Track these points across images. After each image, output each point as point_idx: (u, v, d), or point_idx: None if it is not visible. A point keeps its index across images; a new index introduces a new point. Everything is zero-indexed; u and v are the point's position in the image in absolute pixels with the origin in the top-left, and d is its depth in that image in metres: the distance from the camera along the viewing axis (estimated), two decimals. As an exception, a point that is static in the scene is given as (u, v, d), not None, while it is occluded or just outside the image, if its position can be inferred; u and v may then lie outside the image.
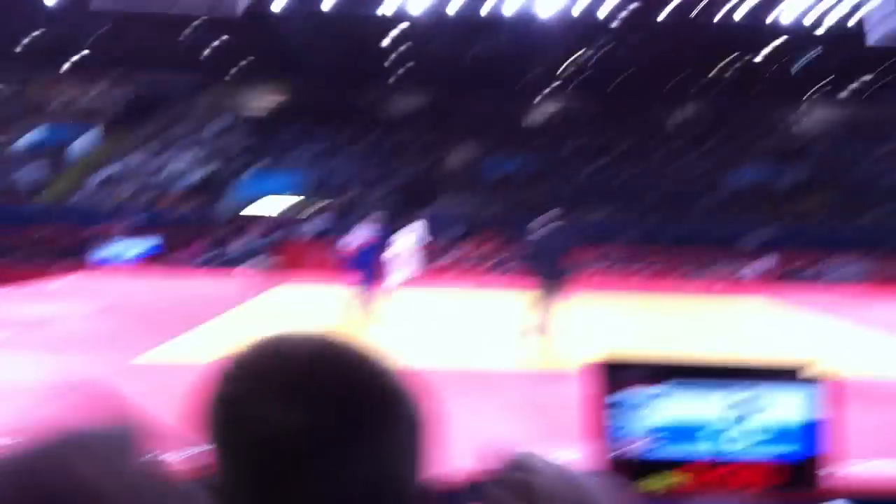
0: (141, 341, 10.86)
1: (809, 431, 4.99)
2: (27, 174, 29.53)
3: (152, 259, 22.61)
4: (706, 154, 33.61)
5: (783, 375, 4.91)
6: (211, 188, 29.63)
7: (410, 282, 17.69)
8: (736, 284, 23.64)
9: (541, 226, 11.54)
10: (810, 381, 4.88)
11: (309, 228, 26.95)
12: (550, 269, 11.03)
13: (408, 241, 17.95)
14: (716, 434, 4.87)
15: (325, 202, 28.97)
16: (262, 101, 37.69)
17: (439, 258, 24.86)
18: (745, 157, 33.10)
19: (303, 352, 0.99)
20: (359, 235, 13.89)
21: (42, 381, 8.49)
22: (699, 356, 7.14)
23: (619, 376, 4.79)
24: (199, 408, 0.97)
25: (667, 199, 29.85)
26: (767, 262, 25.02)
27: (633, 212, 29.10)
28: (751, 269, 24.59)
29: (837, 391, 4.82)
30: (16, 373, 8.96)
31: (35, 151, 31.06)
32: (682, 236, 27.21)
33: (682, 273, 24.31)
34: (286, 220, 27.73)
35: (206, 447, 0.95)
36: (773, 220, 28.71)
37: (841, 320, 15.35)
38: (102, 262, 22.06)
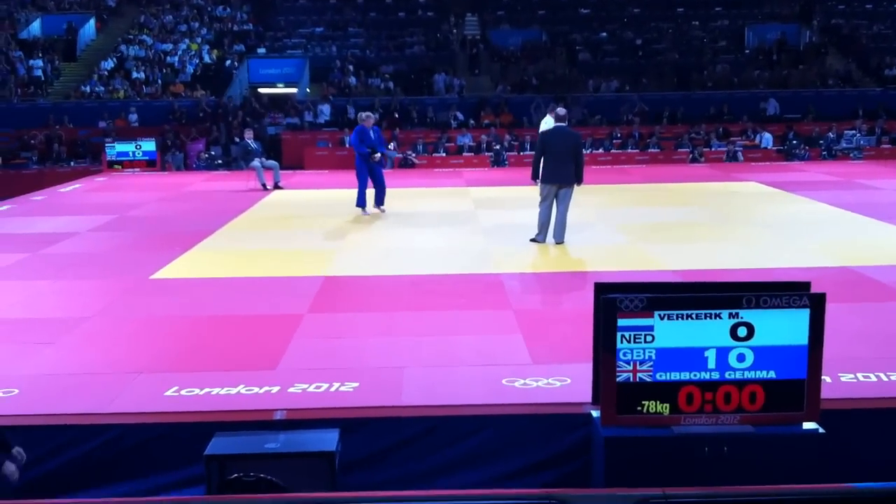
0: (155, 255, 11.05)
1: (800, 353, 5.17)
2: (31, 68, 29.19)
3: (158, 157, 22.52)
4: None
5: (775, 299, 5.05)
6: (214, 76, 29.26)
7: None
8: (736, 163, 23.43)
9: (552, 117, 11.55)
10: (801, 303, 5.02)
11: (311, 119, 26.71)
12: (560, 166, 11.04)
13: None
14: (712, 358, 5.05)
15: (327, 89, 28.58)
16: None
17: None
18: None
19: None
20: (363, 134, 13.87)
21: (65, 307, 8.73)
22: (693, 281, 7.28)
23: (619, 304, 4.95)
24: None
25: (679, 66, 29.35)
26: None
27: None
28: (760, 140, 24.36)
29: (823, 312, 4.97)
30: (35, 301, 9.14)
31: (37, 44, 30.60)
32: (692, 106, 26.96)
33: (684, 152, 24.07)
34: (290, 109, 27.48)
35: None
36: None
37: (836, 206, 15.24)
38: (110, 162, 22.01)
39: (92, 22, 32.21)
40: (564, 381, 6.17)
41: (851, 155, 23.36)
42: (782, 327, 5.03)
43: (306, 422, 5.58)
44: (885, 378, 6.16)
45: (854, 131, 24.44)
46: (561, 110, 11.51)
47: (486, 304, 8.49)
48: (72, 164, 24.08)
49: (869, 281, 9.13)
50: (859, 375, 6.19)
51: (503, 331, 7.56)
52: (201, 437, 5.23)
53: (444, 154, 24.04)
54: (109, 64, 29.62)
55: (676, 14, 33.22)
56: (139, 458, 5.60)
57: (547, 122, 17.21)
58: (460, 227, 13.02)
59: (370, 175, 13.96)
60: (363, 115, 14.17)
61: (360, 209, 14.04)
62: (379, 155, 14.03)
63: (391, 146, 23.04)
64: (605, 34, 31.78)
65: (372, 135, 13.84)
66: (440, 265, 10.26)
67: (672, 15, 33.19)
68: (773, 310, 5.01)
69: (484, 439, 5.71)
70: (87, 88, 28.32)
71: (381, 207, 14.09)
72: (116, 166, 21.94)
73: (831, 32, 32.24)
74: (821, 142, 24.11)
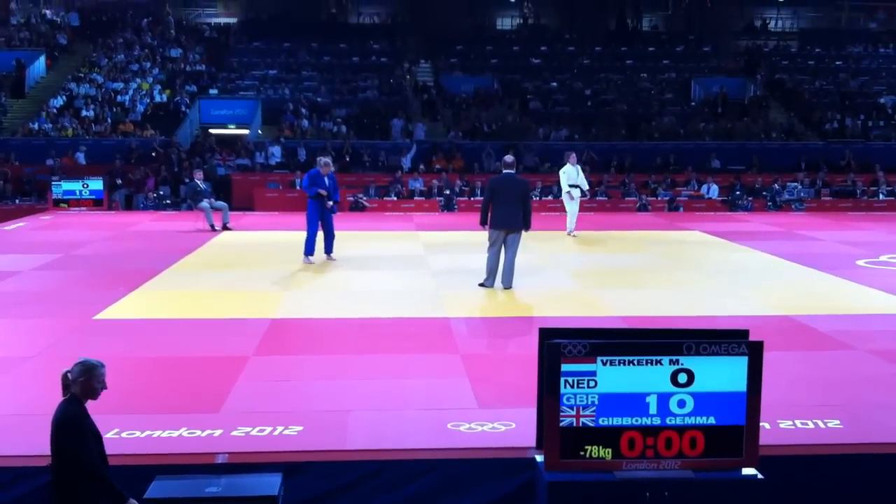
0: (99, 294, 10.91)
1: (739, 400, 5.27)
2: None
3: (106, 196, 22.32)
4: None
5: (714, 346, 5.15)
6: (165, 116, 29.11)
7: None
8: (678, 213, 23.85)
9: (501, 165, 11.66)
10: (739, 351, 5.12)
11: (263, 160, 26.64)
12: (508, 212, 11.16)
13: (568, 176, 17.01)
14: (653, 404, 5.13)
15: (279, 131, 28.55)
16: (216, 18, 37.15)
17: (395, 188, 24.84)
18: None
19: None
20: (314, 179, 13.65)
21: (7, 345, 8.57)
22: (636, 327, 7.39)
23: (563, 350, 5.01)
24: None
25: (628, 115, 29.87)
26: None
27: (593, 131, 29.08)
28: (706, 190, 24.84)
29: (761, 360, 5.08)
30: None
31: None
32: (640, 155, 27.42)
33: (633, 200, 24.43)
34: (241, 150, 27.41)
35: None
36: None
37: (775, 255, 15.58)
38: (56, 201, 21.76)
39: (42, 59, 31.91)
40: (509, 426, 6.20)
41: (793, 206, 23.92)
42: (721, 374, 5.13)
43: (249, 465, 5.53)
44: (822, 425, 6.29)
45: (796, 183, 25.05)
46: (509, 157, 11.66)
47: (433, 348, 8.52)
48: (17, 201, 23.71)
49: (807, 329, 9.34)
50: (797, 422, 6.31)
51: (450, 375, 7.59)
52: (141, 481, 5.15)
53: (395, 198, 24.13)
54: (59, 101, 29.33)
55: (625, 66, 33.91)
56: (77, 501, 5.49)
57: (566, 171, 17.20)
58: (410, 270, 13.06)
59: (321, 222, 13.69)
60: (323, 160, 13.84)
61: (306, 257, 13.61)
62: (331, 203, 13.65)
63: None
64: (555, 84, 32.29)
65: (326, 181, 13.63)
66: (389, 308, 10.27)
67: (621, 66, 33.87)
68: (712, 357, 5.11)
69: (429, 483, 5.70)
70: (35, 126, 28.00)
71: (331, 256, 13.85)
72: (63, 205, 21.68)
73: (775, 87, 33.13)
74: (764, 193, 24.65)
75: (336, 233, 13.97)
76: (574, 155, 17.32)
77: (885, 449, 5.98)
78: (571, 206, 17.04)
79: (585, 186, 17.42)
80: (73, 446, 4.63)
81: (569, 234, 16.95)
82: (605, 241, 16.74)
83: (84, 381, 4.77)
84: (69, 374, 4.80)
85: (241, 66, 32.63)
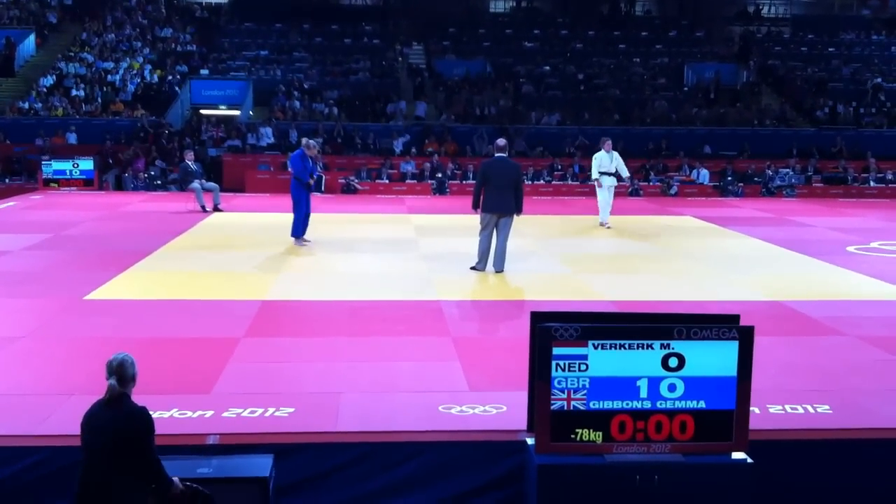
0: (89, 275, 10.87)
1: (729, 384, 5.29)
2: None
3: (96, 176, 22.24)
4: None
5: (705, 331, 5.16)
6: (156, 96, 28.94)
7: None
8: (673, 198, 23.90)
9: (493, 148, 11.62)
10: (730, 335, 5.14)
11: (254, 142, 26.52)
12: (500, 196, 11.15)
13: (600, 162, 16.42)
14: (644, 387, 5.14)
15: (271, 113, 28.42)
16: None
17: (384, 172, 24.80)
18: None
19: None
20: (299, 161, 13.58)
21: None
22: (627, 311, 7.39)
23: (555, 333, 5.01)
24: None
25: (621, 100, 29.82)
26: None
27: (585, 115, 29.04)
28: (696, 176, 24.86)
29: (751, 345, 5.10)
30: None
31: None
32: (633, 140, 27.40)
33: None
34: (231, 132, 27.28)
35: None
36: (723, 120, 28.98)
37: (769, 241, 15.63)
38: (46, 180, 21.67)
39: (32, 37, 31.67)
40: (500, 409, 6.22)
41: (785, 192, 23.97)
42: (712, 358, 5.15)
43: (240, 447, 5.54)
44: (811, 410, 6.32)
45: (788, 169, 25.10)
46: (501, 141, 11.61)
47: (424, 331, 8.52)
48: (6, 181, 23.58)
49: (797, 315, 9.37)
50: (787, 407, 6.34)
51: (441, 357, 7.60)
52: (132, 461, 5.14)
53: (386, 181, 24.08)
54: (49, 80, 29.13)
55: (618, 51, 33.83)
56: (68, 480, 5.48)
57: (598, 157, 16.47)
58: (401, 253, 13.04)
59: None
60: (312, 143, 13.80)
61: (294, 238, 13.70)
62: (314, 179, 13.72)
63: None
64: (548, 68, 32.20)
65: (310, 164, 13.68)
66: (380, 291, 10.27)
67: (614, 51, 33.79)
68: (703, 341, 5.13)
69: (419, 465, 5.71)
70: (25, 105, 27.81)
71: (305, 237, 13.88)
72: (53, 184, 21.59)
73: (767, 73, 33.12)
74: (756, 179, 24.70)
75: (327, 215, 13.98)
76: (609, 141, 16.52)
77: (873, 434, 6.02)
78: (602, 195, 16.43)
79: (625, 174, 16.70)
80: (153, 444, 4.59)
81: (602, 225, 16.42)
82: (596, 226, 16.73)
83: (136, 375, 4.68)
84: (123, 376, 4.62)
85: (233, 47, 32.44)
